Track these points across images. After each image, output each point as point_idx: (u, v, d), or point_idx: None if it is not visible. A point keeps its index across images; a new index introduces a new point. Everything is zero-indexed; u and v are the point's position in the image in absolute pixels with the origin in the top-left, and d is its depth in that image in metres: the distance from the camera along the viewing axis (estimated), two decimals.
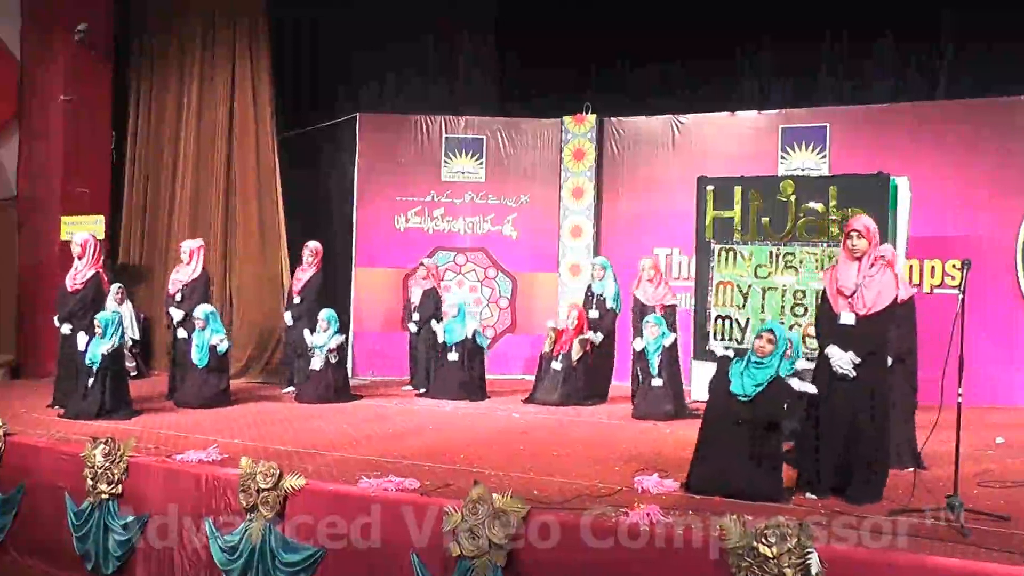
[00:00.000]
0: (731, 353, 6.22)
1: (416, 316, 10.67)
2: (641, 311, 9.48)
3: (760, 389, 5.68)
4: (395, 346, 11.37)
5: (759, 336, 5.86)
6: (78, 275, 9.00)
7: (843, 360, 5.64)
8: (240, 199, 11.77)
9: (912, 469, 6.10)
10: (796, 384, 5.85)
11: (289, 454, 6.77)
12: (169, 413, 8.81)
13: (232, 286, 11.76)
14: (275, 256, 11.47)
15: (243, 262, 11.74)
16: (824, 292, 5.93)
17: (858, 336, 5.67)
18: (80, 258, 9.02)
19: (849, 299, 5.72)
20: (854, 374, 5.63)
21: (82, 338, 8.54)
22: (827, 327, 5.83)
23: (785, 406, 5.76)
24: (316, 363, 9.71)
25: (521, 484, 5.76)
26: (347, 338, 11.08)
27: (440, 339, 10.14)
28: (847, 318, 5.71)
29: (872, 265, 5.75)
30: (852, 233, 5.79)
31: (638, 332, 9.34)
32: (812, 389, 5.77)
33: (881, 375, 5.82)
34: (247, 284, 11.71)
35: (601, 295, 10.06)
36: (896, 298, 5.81)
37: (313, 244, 10.51)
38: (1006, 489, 5.93)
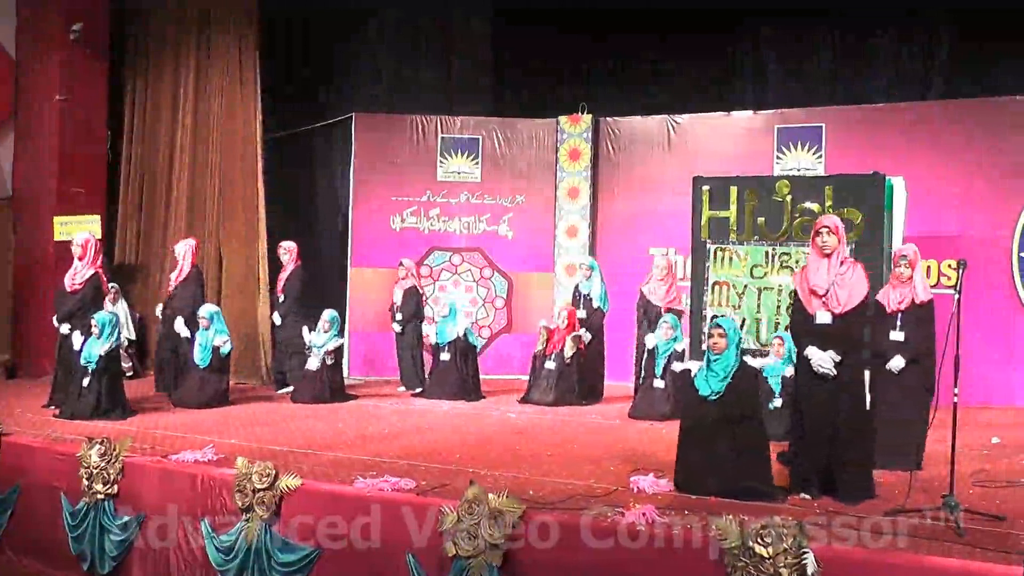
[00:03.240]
0: (690, 366, 6.25)
1: (399, 316, 10.68)
2: (645, 308, 9.48)
3: (727, 382, 5.73)
4: (390, 346, 11.36)
5: (710, 334, 5.91)
6: (77, 275, 8.99)
7: (824, 359, 5.65)
8: (228, 198, 11.77)
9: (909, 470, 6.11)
10: (752, 361, 5.88)
11: (285, 454, 6.77)
12: (165, 413, 8.80)
13: (223, 284, 11.76)
14: (253, 254, 11.46)
15: (229, 261, 11.76)
16: (795, 293, 5.95)
17: (835, 335, 5.68)
18: (81, 259, 9.01)
19: (823, 298, 5.73)
20: (835, 372, 5.65)
21: (78, 338, 8.53)
22: (803, 328, 5.84)
23: (757, 394, 5.88)
24: (313, 363, 9.70)
25: (517, 484, 5.76)
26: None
27: (432, 340, 10.15)
28: (823, 317, 5.72)
29: (842, 264, 5.77)
30: (822, 230, 5.80)
31: (642, 328, 9.36)
32: (766, 361, 5.79)
33: (858, 373, 5.85)
34: (232, 282, 11.72)
35: (588, 295, 10.12)
36: (868, 295, 5.83)
37: (287, 243, 10.60)
38: (1002, 489, 5.94)
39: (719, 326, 5.89)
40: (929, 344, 6.75)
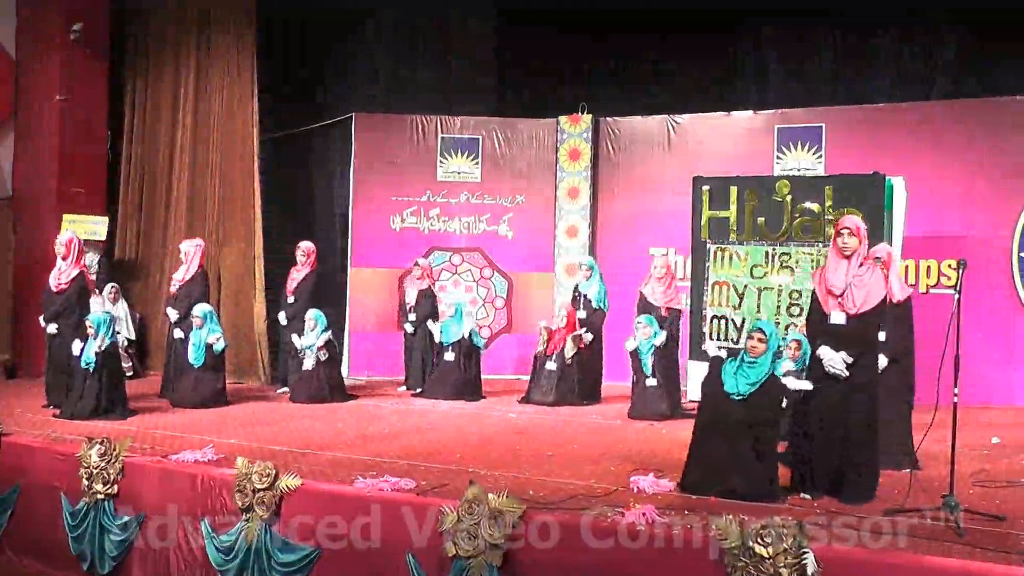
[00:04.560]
0: (724, 354, 6.22)
1: (412, 316, 10.65)
2: (645, 309, 9.41)
3: (755, 388, 5.70)
4: (391, 346, 11.36)
5: (750, 336, 5.88)
6: (62, 275, 8.98)
7: (835, 360, 5.64)
8: (228, 198, 11.78)
9: (908, 470, 6.10)
10: (792, 383, 5.85)
11: (284, 454, 6.77)
12: (165, 413, 8.80)
13: (222, 284, 11.76)
14: (251, 254, 11.46)
15: (227, 260, 11.76)
16: (814, 293, 5.94)
17: (849, 336, 5.68)
18: (64, 258, 9.00)
19: (839, 299, 5.73)
20: (847, 374, 5.64)
21: (76, 345, 8.50)
22: (818, 327, 5.84)
23: (783, 405, 5.79)
24: (308, 363, 9.70)
25: (517, 484, 5.75)
26: (339, 336, 11.07)
27: (437, 339, 10.14)
28: (837, 318, 5.72)
29: (861, 264, 5.76)
30: (843, 231, 5.79)
31: None
32: (808, 386, 5.78)
33: (871, 375, 5.83)
34: (231, 282, 11.72)
35: (587, 295, 10.08)
36: (885, 298, 5.83)
37: (306, 244, 10.53)
38: (1002, 489, 5.93)
39: (760, 330, 5.85)
40: (907, 343, 6.82)
